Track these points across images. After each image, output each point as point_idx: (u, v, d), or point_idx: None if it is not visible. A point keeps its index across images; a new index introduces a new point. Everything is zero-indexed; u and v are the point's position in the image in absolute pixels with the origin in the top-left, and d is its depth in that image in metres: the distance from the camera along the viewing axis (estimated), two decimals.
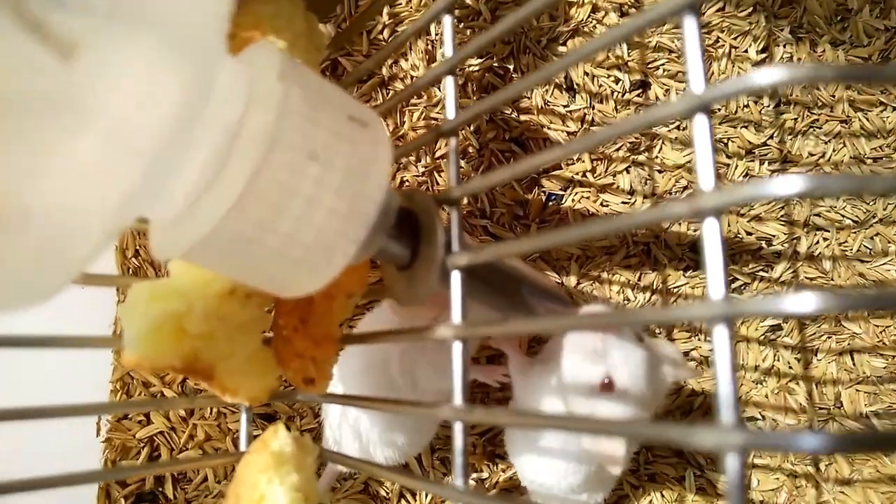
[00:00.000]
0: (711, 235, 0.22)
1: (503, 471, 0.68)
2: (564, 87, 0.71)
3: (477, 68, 0.70)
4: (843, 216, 0.71)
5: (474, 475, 0.67)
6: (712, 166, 0.23)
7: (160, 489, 0.67)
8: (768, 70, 0.21)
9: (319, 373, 0.41)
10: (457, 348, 0.33)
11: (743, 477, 0.21)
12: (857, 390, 0.70)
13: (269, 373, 0.42)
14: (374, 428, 0.55)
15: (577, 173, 0.70)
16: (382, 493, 0.68)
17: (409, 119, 0.68)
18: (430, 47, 0.70)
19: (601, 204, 0.69)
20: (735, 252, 0.71)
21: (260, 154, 0.27)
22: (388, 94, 0.71)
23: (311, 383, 0.41)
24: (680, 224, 0.71)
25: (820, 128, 0.72)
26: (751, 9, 0.72)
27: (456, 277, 0.34)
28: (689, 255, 0.71)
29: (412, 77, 0.69)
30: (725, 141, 0.72)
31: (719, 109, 0.72)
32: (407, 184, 0.70)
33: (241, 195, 0.27)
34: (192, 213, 0.28)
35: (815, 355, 0.71)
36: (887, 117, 0.72)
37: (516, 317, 0.40)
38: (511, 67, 0.70)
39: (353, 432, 0.57)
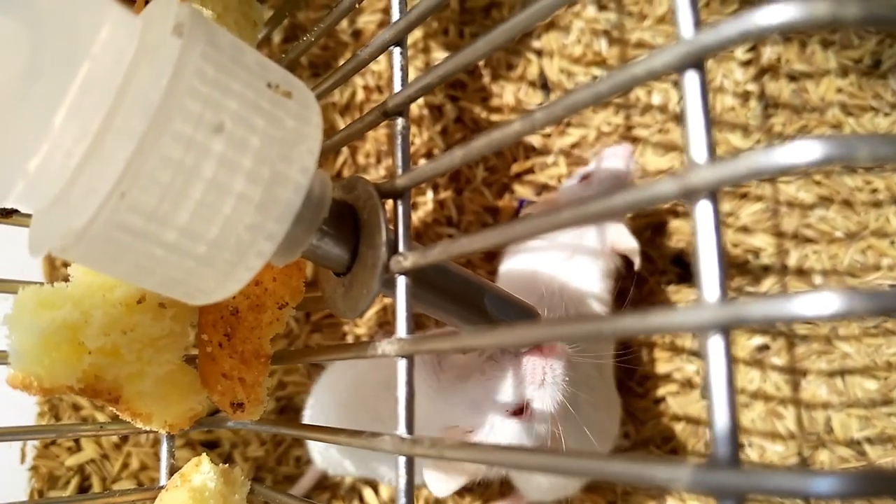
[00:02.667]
0: (705, 222, 0.17)
1: (471, 503, 0.62)
2: (539, 84, 0.66)
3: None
4: (834, 228, 0.67)
5: None
6: (706, 135, 0.18)
7: None
8: (777, 7, 0.16)
9: (250, 396, 0.36)
10: (401, 367, 0.28)
11: None
12: (848, 414, 0.66)
13: (190, 396, 0.36)
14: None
15: (551, 178, 0.65)
16: None
17: None
18: None
19: None
20: None
21: (145, 123, 0.22)
22: (348, 92, 0.66)
23: (240, 408, 0.36)
24: (662, 235, 0.66)
25: (810, 132, 0.67)
26: (736, 5, 0.68)
27: (401, 283, 0.28)
28: (673, 269, 0.66)
29: (374, 72, 0.64)
30: (714, 146, 0.67)
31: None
32: None
33: (121, 176, 0.22)
34: (67, 198, 0.23)
35: (805, 377, 0.66)
36: (879, 123, 0.68)
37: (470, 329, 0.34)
38: (481, 63, 0.65)
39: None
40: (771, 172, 0.16)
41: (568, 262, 0.54)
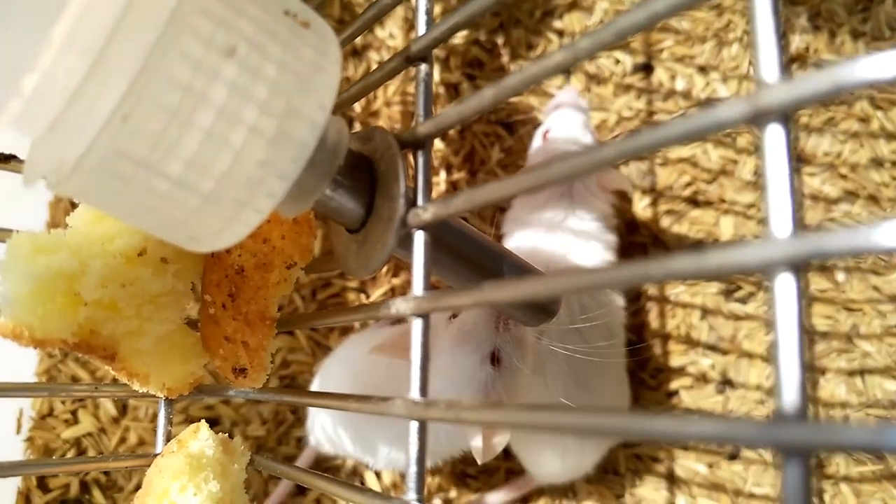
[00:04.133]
0: (776, 149, 0.15)
1: (475, 491, 0.60)
2: None
3: (461, 41, 0.63)
4: (859, 223, 0.64)
5: (440, 494, 0.59)
6: (778, 52, 0.16)
7: (87, 496, 0.59)
8: None
9: (253, 361, 0.34)
10: (417, 326, 0.26)
11: (808, 487, 0.14)
12: (867, 415, 0.63)
13: (190, 360, 0.35)
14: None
15: None
16: None
17: (382, 93, 0.61)
18: (409, 15, 0.63)
19: None
20: None
21: (152, 41, 0.20)
22: (362, 67, 0.64)
23: (242, 374, 0.34)
24: (680, 223, 0.64)
25: (836, 126, 0.65)
26: None
27: (419, 238, 0.27)
28: None
29: (389, 48, 0.62)
30: (734, 136, 0.65)
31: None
32: None
33: (124, 97, 0.20)
34: (65, 122, 0.21)
35: (823, 375, 0.64)
36: None
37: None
38: (500, 42, 0.63)
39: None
40: (854, 88, 0.14)
41: (569, 238, 0.53)
